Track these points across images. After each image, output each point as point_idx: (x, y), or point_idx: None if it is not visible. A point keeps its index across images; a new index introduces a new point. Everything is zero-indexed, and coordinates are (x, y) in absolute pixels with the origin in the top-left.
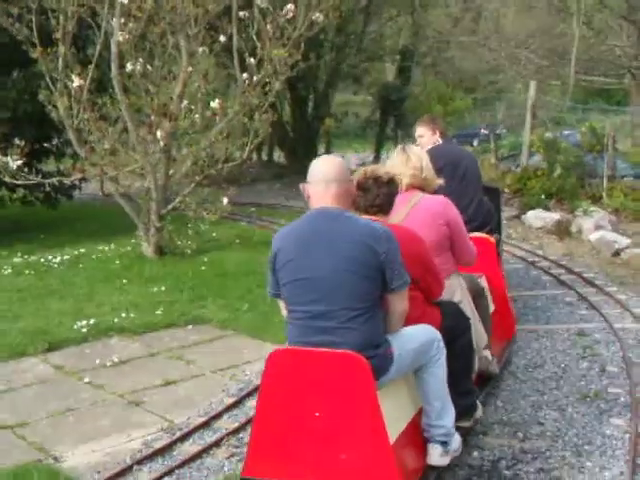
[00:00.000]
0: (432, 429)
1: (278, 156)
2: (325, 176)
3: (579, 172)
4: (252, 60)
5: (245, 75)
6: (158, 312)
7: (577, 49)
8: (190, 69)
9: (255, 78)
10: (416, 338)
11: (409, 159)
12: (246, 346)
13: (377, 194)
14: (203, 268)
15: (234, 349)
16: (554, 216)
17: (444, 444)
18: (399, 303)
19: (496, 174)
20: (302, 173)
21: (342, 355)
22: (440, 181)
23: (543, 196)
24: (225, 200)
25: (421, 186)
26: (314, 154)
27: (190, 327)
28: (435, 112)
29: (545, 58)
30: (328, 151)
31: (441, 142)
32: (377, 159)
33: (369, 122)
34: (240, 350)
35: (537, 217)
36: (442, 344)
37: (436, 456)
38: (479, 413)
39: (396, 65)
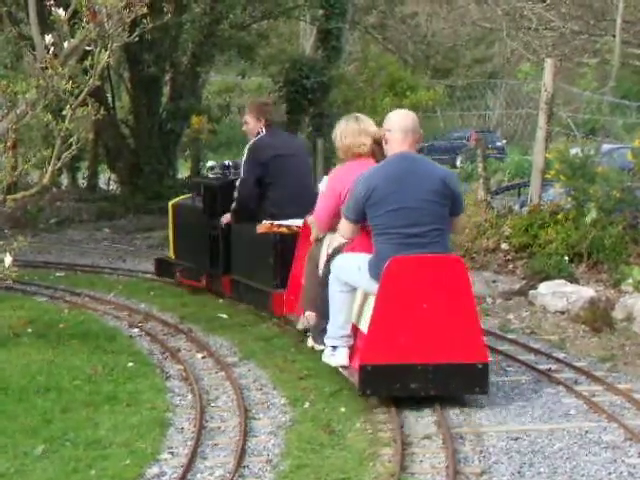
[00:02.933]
0: None
1: (107, 180)
2: (404, 127)
3: (629, 217)
4: (61, 12)
5: (49, 38)
6: None
7: (627, 3)
8: None
9: (67, 44)
10: None
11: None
12: None
13: None
14: None
15: None
16: (585, 292)
17: None
18: (459, 223)
19: (487, 218)
20: (150, 210)
21: (448, 258)
22: None
23: (566, 257)
24: (8, 259)
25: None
26: (171, 178)
27: None
28: (382, 108)
29: (572, 19)
30: (195, 171)
31: (265, 132)
32: None
33: None
34: None
35: (556, 294)
36: None
37: None
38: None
39: (316, 27)
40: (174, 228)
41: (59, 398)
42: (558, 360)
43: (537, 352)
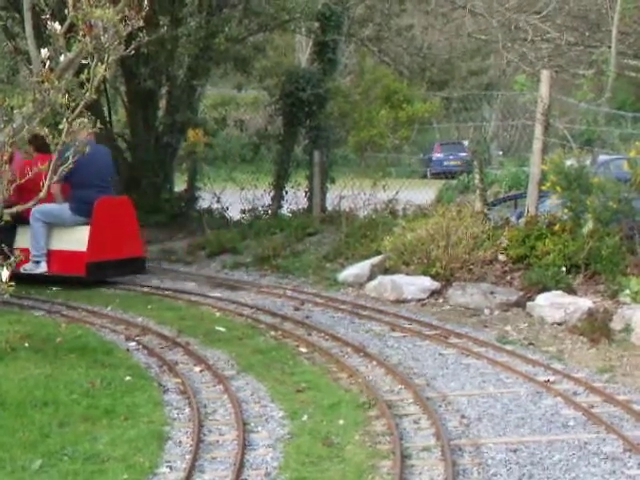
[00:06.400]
0: None
1: None
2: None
3: (626, 228)
4: (57, 26)
5: (45, 52)
6: None
7: (622, 14)
8: None
9: (63, 58)
10: None
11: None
12: None
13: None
14: None
15: None
16: (582, 303)
17: None
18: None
19: (484, 230)
20: (146, 223)
21: (122, 198)
22: None
23: (564, 269)
24: (5, 273)
25: None
26: (168, 191)
27: None
28: (378, 120)
29: (567, 30)
30: (191, 185)
31: None
32: (278, 201)
33: (264, 137)
34: None
35: (553, 305)
36: None
37: None
38: None
39: (312, 39)
40: None
41: (57, 412)
42: (556, 371)
43: (535, 363)
